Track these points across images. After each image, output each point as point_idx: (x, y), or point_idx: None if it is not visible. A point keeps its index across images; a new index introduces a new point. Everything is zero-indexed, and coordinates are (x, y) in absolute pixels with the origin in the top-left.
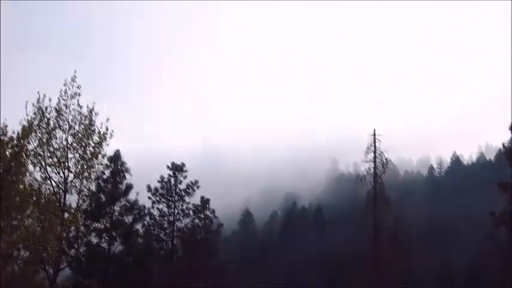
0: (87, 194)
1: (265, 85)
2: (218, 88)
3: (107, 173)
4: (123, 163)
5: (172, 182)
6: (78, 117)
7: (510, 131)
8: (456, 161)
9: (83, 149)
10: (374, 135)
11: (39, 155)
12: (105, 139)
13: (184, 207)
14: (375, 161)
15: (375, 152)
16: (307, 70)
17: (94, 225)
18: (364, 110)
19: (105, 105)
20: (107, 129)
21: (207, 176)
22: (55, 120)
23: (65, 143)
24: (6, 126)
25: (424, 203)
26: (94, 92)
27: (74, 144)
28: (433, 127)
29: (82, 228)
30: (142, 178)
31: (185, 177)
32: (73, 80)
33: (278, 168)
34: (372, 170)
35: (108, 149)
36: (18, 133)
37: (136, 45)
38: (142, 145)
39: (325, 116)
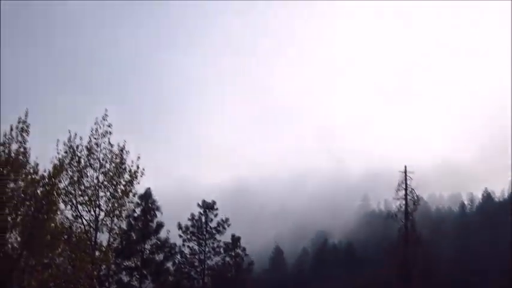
0: (118, 232)
1: (296, 122)
2: (248, 126)
3: (138, 211)
4: (153, 201)
5: (203, 220)
6: (109, 156)
7: None
8: (487, 197)
9: (113, 187)
10: (405, 172)
11: (71, 193)
12: (136, 177)
13: (215, 245)
14: (406, 198)
15: (406, 189)
16: (337, 106)
17: (125, 264)
18: (395, 147)
19: (136, 143)
20: (138, 167)
21: (238, 214)
22: (86, 159)
23: (96, 181)
24: (37, 164)
25: (455, 239)
26: (125, 129)
27: (105, 183)
28: (464, 162)
29: (113, 266)
30: (173, 216)
31: (216, 215)
32: (104, 118)
33: (309, 205)
34: (403, 206)
35: (139, 187)
36: (49, 172)
37: (166, 82)
38: (173, 183)
39: (356, 153)
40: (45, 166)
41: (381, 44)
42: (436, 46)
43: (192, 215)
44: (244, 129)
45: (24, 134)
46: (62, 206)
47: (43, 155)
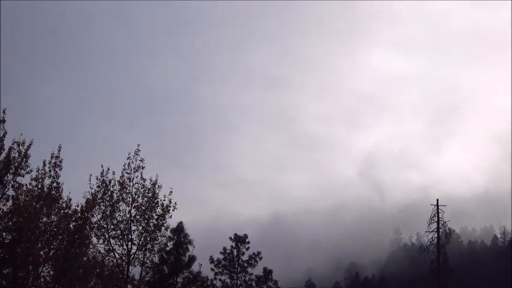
0: (150, 265)
1: (332, 152)
2: (282, 158)
3: (170, 245)
4: (186, 235)
5: (235, 253)
6: (142, 190)
7: None
8: None
9: (146, 221)
10: (437, 205)
11: (103, 227)
12: (168, 211)
13: (247, 278)
14: (438, 231)
15: (438, 222)
16: (376, 136)
17: None
18: (426, 179)
19: (168, 175)
20: (170, 201)
21: (272, 247)
22: (118, 193)
23: (128, 215)
24: (70, 199)
25: (487, 272)
26: (159, 160)
27: (137, 217)
28: (495, 195)
29: None
30: (207, 249)
31: (248, 248)
32: (136, 153)
33: (343, 238)
34: (435, 240)
35: (172, 221)
36: (82, 206)
37: (198, 114)
38: (207, 214)
39: (397, 184)
40: (77, 200)
41: (419, 72)
42: (476, 78)
43: (224, 249)
44: (278, 161)
45: (57, 169)
46: (94, 240)
47: (76, 189)
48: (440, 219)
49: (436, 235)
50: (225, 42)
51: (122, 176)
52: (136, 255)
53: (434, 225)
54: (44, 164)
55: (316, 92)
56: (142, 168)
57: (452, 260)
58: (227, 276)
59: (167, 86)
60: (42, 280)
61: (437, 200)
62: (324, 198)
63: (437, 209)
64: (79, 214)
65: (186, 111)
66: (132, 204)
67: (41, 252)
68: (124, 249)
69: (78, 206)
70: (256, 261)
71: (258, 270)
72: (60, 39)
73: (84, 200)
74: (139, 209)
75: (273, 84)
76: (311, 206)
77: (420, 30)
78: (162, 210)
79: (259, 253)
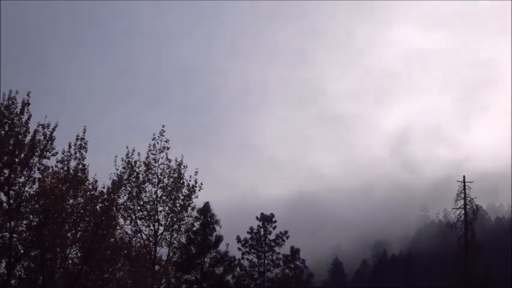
0: (177, 246)
1: (363, 129)
2: (311, 135)
3: (197, 225)
4: (212, 215)
5: (262, 232)
6: (167, 171)
7: None
8: None
9: (172, 202)
10: (464, 182)
11: (130, 208)
12: (194, 191)
13: (274, 257)
14: (465, 208)
15: (465, 199)
16: (407, 112)
17: (185, 277)
18: (456, 156)
19: (194, 155)
20: (196, 182)
21: (299, 226)
22: (144, 174)
23: (154, 196)
24: (96, 181)
25: None
26: (185, 139)
27: (164, 198)
28: None
29: (173, 280)
30: (234, 229)
31: (274, 227)
32: (161, 134)
33: (371, 216)
34: (462, 216)
35: (198, 201)
36: (108, 187)
37: (224, 92)
38: (234, 194)
39: (420, 163)
40: (104, 182)
41: (447, 47)
42: (505, 52)
43: (251, 228)
44: (305, 139)
45: (82, 151)
46: (121, 221)
47: (102, 171)
48: (467, 195)
49: (463, 212)
50: (248, 19)
51: (147, 157)
52: (163, 236)
53: (462, 202)
54: (70, 146)
55: (342, 69)
56: (168, 149)
57: (480, 237)
58: (254, 255)
59: (190, 65)
60: (70, 262)
61: (464, 176)
62: (352, 176)
63: (464, 185)
64: (105, 196)
65: (210, 89)
66: (158, 185)
67: (68, 234)
68: (151, 230)
69: (104, 187)
70: (284, 240)
71: (285, 249)
72: (82, 19)
73: (110, 181)
74: (165, 190)
75: (298, 62)
76: (339, 184)
77: (448, 3)
78: (188, 190)
79: (286, 232)
